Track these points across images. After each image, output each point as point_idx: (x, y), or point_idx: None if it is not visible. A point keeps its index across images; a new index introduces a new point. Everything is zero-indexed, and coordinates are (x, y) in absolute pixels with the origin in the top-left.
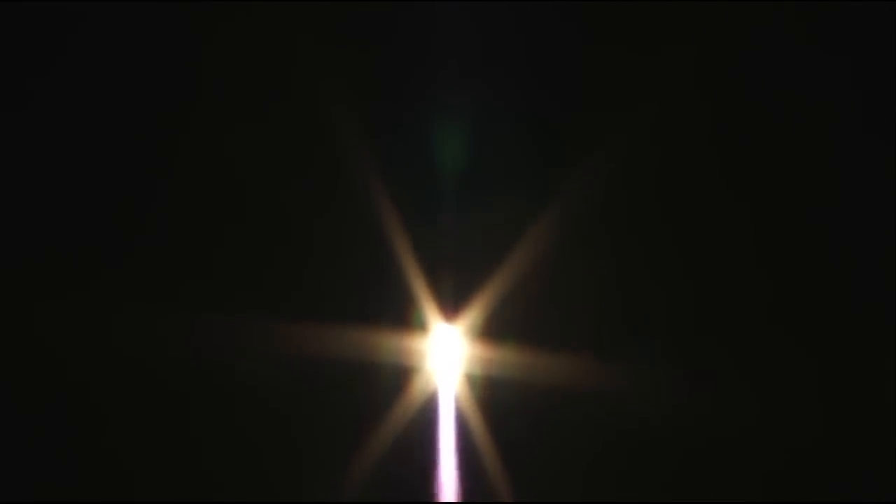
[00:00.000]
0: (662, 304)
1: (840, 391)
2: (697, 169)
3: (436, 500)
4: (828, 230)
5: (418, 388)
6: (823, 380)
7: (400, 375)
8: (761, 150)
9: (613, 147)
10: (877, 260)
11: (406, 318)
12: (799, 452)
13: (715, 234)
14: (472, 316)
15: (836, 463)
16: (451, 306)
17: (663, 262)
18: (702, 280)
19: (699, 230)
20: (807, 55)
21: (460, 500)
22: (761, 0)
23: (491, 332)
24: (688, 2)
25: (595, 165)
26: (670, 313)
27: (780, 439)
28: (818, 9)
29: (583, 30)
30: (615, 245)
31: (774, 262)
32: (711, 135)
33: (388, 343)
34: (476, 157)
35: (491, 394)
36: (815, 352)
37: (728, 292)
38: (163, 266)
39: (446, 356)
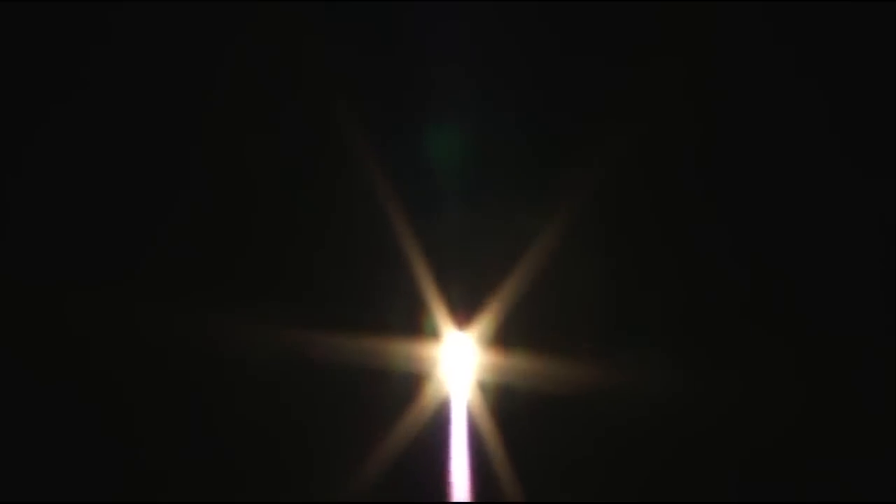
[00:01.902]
0: (673, 311)
1: (829, 384)
2: (699, 173)
3: None
4: (818, 229)
5: (430, 394)
6: (813, 373)
7: (412, 382)
8: (756, 151)
9: (618, 152)
10: (867, 259)
11: (418, 326)
12: (794, 441)
13: (723, 240)
14: (483, 323)
15: (828, 453)
16: (463, 313)
17: (673, 268)
18: (710, 286)
19: (706, 235)
20: (796, 60)
21: None
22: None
23: (502, 339)
24: (683, 3)
25: (602, 172)
26: (681, 319)
27: (783, 433)
28: (809, 15)
29: (581, 32)
30: (625, 251)
31: (773, 265)
32: (711, 136)
33: (399, 350)
34: (485, 164)
35: (502, 400)
36: (808, 349)
37: (735, 299)
38: (176, 274)
39: (458, 363)
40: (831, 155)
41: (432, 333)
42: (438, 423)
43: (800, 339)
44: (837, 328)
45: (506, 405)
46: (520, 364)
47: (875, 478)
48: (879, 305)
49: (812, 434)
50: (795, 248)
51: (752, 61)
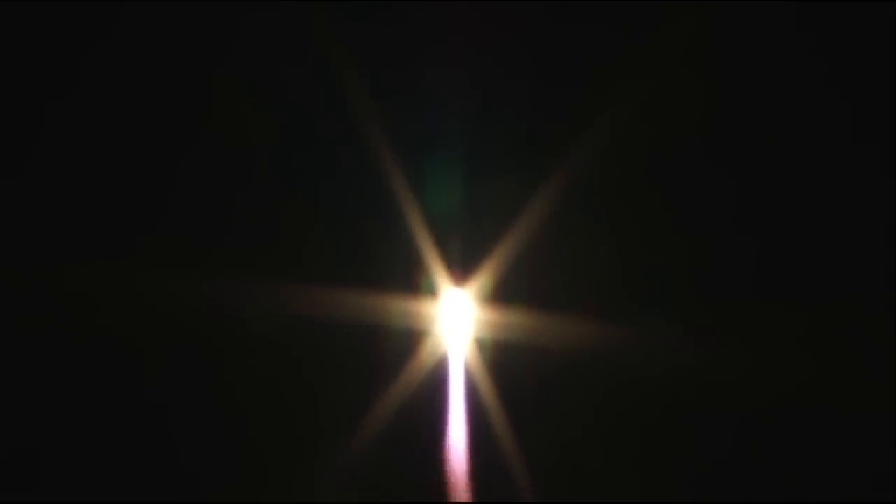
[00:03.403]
0: (675, 271)
1: (826, 348)
2: (694, 141)
3: (445, 464)
4: (816, 207)
5: (428, 351)
6: (819, 343)
7: (410, 339)
8: (752, 128)
9: (615, 117)
10: (874, 231)
11: (416, 283)
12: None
13: (708, 201)
14: (481, 280)
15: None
16: (461, 271)
17: (663, 228)
18: (699, 245)
19: (696, 199)
20: (799, 39)
21: (470, 464)
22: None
23: (500, 296)
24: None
25: (599, 135)
26: (683, 279)
27: (786, 400)
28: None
29: (578, 9)
30: (617, 211)
31: (762, 230)
32: (710, 106)
33: (398, 307)
34: (483, 123)
35: (500, 357)
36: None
37: (721, 256)
38: (175, 236)
39: (456, 320)
40: (836, 126)
41: (430, 290)
42: (436, 380)
43: (805, 308)
44: (843, 296)
45: (504, 362)
46: (517, 321)
47: (878, 450)
48: (886, 276)
49: (816, 402)
50: (801, 219)
51: (756, 43)
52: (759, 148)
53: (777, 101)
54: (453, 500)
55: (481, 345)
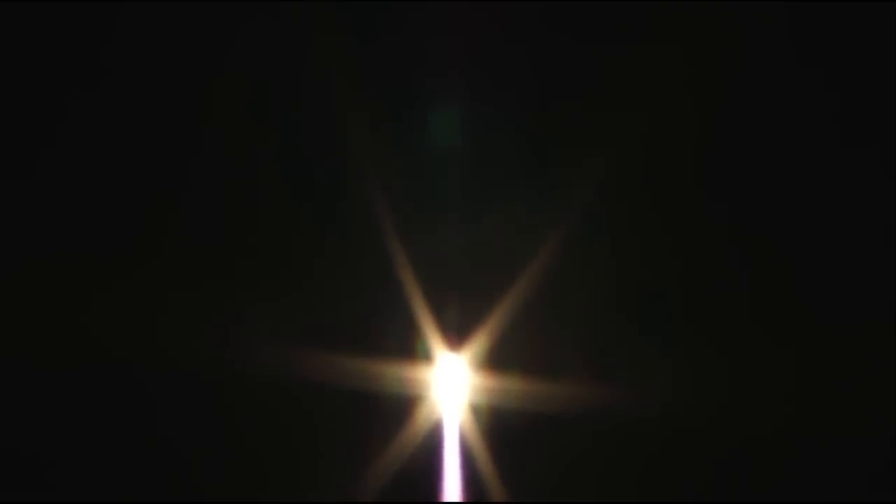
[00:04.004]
0: (665, 332)
1: (831, 393)
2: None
3: None
4: (823, 232)
5: (423, 417)
6: (816, 383)
7: (404, 404)
8: (757, 158)
9: (608, 174)
10: (869, 264)
11: (410, 348)
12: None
13: (716, 259)
14: (476, 345)
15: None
16: (456, 336)
17: (665, 289)
18: (705, 305)
19: (699, 257)
20: (798, 57)
21: None
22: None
23: (495, 361)
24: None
25: (593, 196)
26: (674, 340)
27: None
28: (811, 13)
29: (578, 29)
30: (617, 274)
31: (773, 269)
32: (707, 136)
33: (392, 372)
34: (479, 186)
35: (495, 423)
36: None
37: (733, 316)
38: (170, 292)
39: (451, 385)
40: (835, 158)
41: (425, 355)
42: (431, 446)
43: (803, 348)
44: (841, 335)
45: (498, 428)
46: (512, 386)
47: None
48: (882, 311)
49: (811, 443)
50: (799, 250)
51: (756, 59)
52: (759, 189)
53: (777, 142)
54: None
55: (476, 410)
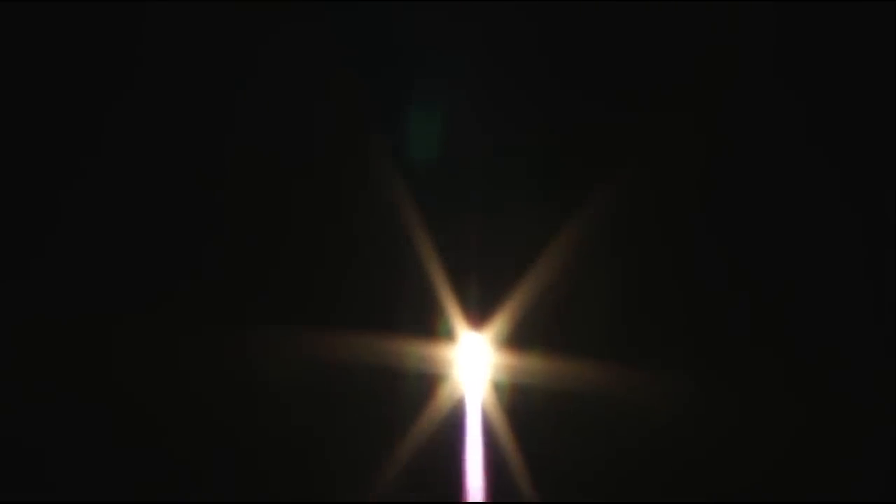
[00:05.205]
0: (687, 313)
1: (831, 399)
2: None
3: None
4: (824, 246)
5: (445, 395)
6: (814, 387)
7: (427, 383)
8: (762, 173)
9: (636, 154)
10: (870, 276)
11: (433, 327)
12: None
13: (732, 240)
14: (498, 324)
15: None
16: (478, 314)
17: (684, 269)
18: (720, 286)
19: (719, 236)
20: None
21: None
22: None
23: (517, 339)
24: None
25: (618, 173)
26: (694, 322)
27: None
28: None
29: (601, 33)
30: (638, 252)
31: (779, 277)
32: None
33: (415, 351)
34: (501, 165)
35: (517, 401)
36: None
37: (743, 297)
38: (194, 277)
39: (473, 364)
40: (835, 177)
41: (447, 334)
42: (453, 424)
43: (803, 351)
44: (841, 343)
45: (520, 406)
46: (534, 365)
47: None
48: (884, 324)
49: (813, 446)
50: (801, 262)
51: (756, 74)
52: (766, 201)
53: (779, 160)
54: None
55: (498, 388)
